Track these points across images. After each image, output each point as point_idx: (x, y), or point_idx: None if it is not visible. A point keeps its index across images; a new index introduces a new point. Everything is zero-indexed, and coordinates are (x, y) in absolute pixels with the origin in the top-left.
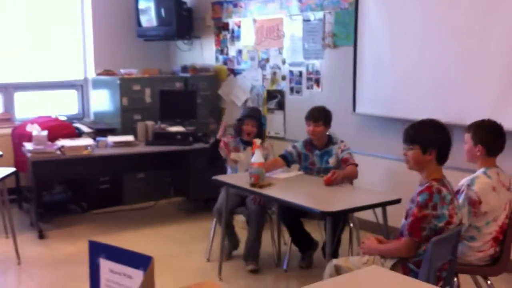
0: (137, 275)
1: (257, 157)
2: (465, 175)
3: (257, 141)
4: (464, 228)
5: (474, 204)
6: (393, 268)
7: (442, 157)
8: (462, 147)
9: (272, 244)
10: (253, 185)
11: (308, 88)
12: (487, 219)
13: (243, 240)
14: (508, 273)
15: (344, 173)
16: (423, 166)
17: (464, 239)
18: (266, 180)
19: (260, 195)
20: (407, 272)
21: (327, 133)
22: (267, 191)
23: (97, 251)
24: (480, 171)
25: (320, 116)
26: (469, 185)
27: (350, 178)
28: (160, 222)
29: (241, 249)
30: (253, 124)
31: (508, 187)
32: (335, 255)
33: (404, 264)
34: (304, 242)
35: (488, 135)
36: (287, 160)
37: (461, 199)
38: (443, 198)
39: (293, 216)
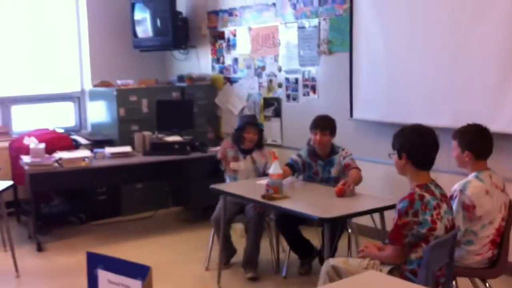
0: (135, 285)
1: (275, 169)
2: (462, 179)
3: (275, 152)
4: (461, 233)
5: (468, 208)
6: (390, 274)
7: (415, 162)
8: None
9: (271, 251)
10: (263, 196)
11: (304, 95)
12: (482, 222)
13: (240, 248)
14: (507, 276)
15: (352, 180)
16: (403, 171)
17: (462, 244)
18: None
19: (260, 204)
20: (404, 279)
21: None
22: (275, 202)
23: (95, 262)
24: (472, 176)
25: (326, 125)
26: (462, 190)
27: (357, 183)
28: (158, 232)
29: (240, 256)
30: (254, 132)
31: (502, 188)
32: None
33: (401, 272)
34: (303, 249)
35: (473, 140)
36: (293, 168)
37: (454, 204)
38: (425, 204)
39: (291, 226)
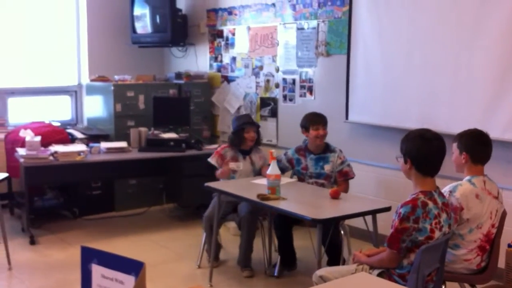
0: (129, 280)
1: (273, 169)
2: None
3: (273, 153)
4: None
5: (455, 210)
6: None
7: (420, 168)
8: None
9: (263, 251)
10: (258, 196)
11: (301, 96)
12: (470, 226)
13: (234, 247)
14: (495, 281)
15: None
16: (409, 176)
17: (449, 247)
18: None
19: (254, 203)
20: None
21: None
22: (269, 202)
23: (89, 256)
24: (465, 179)
25: (326, 120)
26: (451, 192)
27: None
28: (151, 228)
29: (229, 255)
30: (254, 131)
31: (495, 196)
32: (337, 261)
33: (389, 276)
34: (288, 258)
35: (472, 143)
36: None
37: None
38: (427, 212)
39: (286, 227)
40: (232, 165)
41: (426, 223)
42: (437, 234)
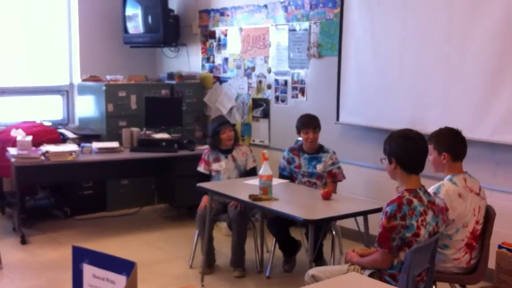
0: (120, 280)
1: (265, 170)
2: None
3: (266, 153)
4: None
5: (442, 211)
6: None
7: (404, 165)
8: None
9: (255, 251)
10: (250, 196)
11: (293, 97)
12: (456, 226)
13: (225, 247)
14: (485, 281)
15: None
16: (394, 176)
17: (438, 247)
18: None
19: (246, 203)
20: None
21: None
22: (261, 203)
23: (81, 256)
24: (446, 179)
25: (317, 123)
26: (435, 193)
27: None
28: (143, 228)
29: (221, 255)
30: (230, 129)
31: (477, 192)
32: (320, 259)
33: (380, 276)
34: (290, 248)
35: (450, 141)
36: (286, 177)
37: None
38: (413, 209)
39: (283, 228)
40: (215, 166)
41: (413, 220)
42: (422, 231)
